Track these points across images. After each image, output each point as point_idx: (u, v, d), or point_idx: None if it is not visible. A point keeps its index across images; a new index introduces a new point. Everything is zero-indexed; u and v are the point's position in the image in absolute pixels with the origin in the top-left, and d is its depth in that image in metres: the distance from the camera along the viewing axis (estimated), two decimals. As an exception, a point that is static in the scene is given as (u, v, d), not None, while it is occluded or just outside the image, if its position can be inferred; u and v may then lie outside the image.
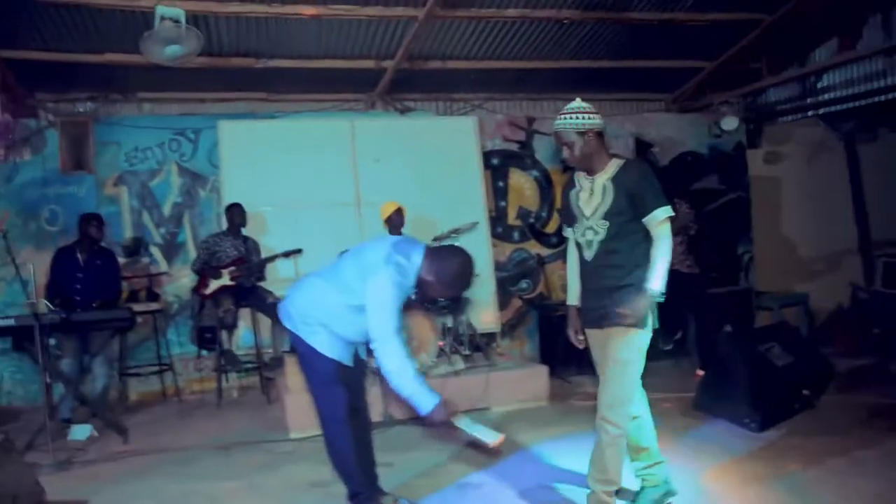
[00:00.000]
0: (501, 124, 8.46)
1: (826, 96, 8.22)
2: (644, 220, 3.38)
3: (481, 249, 7.57)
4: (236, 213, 6.79)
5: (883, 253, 8.88)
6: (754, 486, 3.96)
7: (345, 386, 3.62)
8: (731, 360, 5.32)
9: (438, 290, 3.55)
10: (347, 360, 3.65)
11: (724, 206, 7.22)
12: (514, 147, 8.46)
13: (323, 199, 7.40)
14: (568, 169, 8.41)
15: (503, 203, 8.40)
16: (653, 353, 7.18)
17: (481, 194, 7.81)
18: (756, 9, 7.32)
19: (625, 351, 3.43)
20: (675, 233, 6.67)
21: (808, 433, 4.86)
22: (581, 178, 3.54)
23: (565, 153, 3.45)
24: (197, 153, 7.59)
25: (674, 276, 6.67)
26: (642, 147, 8.82)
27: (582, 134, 3.38)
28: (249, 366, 6.86)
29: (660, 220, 3.37)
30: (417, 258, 3.46)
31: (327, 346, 3.55)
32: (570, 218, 3.60)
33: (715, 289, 7.70)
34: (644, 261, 3.39)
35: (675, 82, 8.93)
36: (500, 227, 8.31)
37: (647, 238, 3.41)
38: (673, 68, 8.45)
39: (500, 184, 8.37)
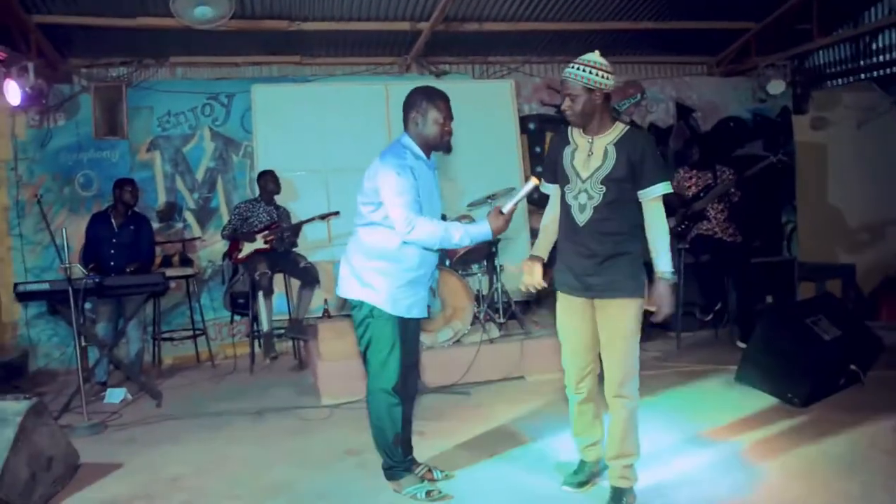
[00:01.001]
0: (539, 88, 8.26)
1: (880, 58, 7.87)
2: (641, 191, 3.25)
3: (518, 215, 7.36)
4: (270, 180, 6.73)
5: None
6: (797, 462, 3.83)
7: (402, 349, 3.53)
8: (775, 333, 5.14)
9: (440, 124, 3.52)
10: (410, 311, 3.53)
11: (768, 173, 6.96)
12: (552, 111, 8.25)
13: (356, 164, 7.08)
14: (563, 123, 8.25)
15: (540, 169, 8.19)
16: (691, 323, 7.12)
17: (518, 159, 7.66)
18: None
19: (632, 322, 3.30)
20: (718, 200, 6.57)
21: (855, 409, 4.67)
22: (577, 135, 3.37)
23: (565, 104, 3.28)
24: (230, 118, 7.52)
25: (716, 244, 6.63)
26: (683, 112, 8.57)
27: (590, 91, 3.21)
28: (281, 332, 6.85)
29: (656, 196, 3.26)
30: (402, 137, 3.57)
31: (389, 299, 3.45)
32: (556, 176, 3.43)
33: (757, 258, 7.47)
34: (639, 232, 3.31)
35: (719, 44, 8.64)
36: (536, 194, 8.07)
37: (640, 210, 3.30)
38: (717, 29, 8.17)
39: (537, 149, 8.18)
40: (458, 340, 5.79)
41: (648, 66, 8.76)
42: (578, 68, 3.21)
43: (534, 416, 4.90)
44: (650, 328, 6.91)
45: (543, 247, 3.60)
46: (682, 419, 4.68)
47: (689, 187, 6.77)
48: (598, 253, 3.26)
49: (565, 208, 3.37)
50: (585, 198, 3.27)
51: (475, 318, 5.88)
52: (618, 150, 3.25)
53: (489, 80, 8.11)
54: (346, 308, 6.20)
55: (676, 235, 6.88)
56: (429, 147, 3.57)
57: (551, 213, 3.56)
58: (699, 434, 4.37)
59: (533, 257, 3.55)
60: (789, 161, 8.58)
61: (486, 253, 6.16)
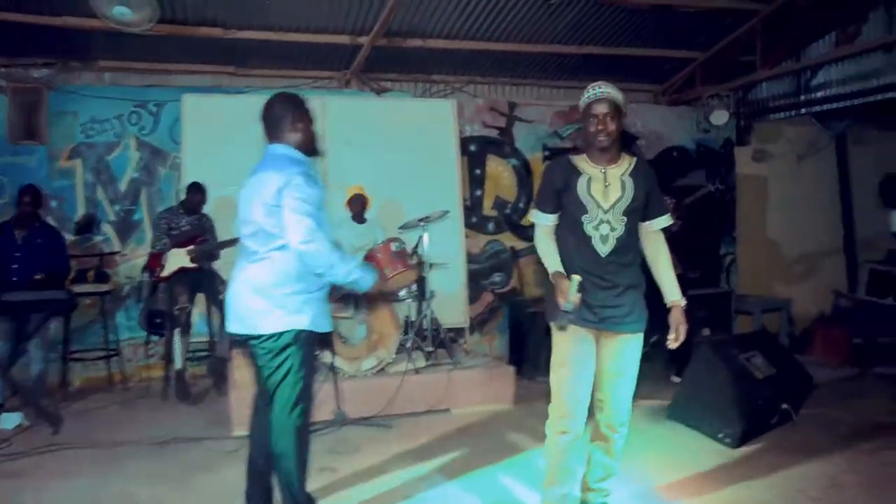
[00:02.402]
0: (481, 109, 8.09)
1: (820, 94, 7.89)
2: (650, 221, 3.31)
3: (453, 239, 7.27)
4: (198, 192, 6.39)
5: (868, 260, 8.65)
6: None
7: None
8: (709, 369, 5.02)
9: (313, 129, 3.43)
10: (328, 325, 3.38)
11: (708, 205, 6.91)
12: (494, 133, 8.10)
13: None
14: (551, 156, 8.15)
15: (479, 192, 8.04)
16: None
17: (456, 182, 7.47)
18: (753, -3, 7.01)
19: (640, 354, 3.34)
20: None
21: (786, 451, 4.60)
22: (585, 165, 3.25)
23: (598, 127, 3.14)
24: (158, 127, 7.18)
25: (652, 275, 6.46)
26: (627, 140, 8.48)
27: (622, 114, 3.21)
28: (202, 354, 6.52)
29: (663, 226, 3.34)
30: (283, 149, 3.32)
31: (314, 319, 3.24)
32: (558, 205, 3.26)
33: (695, 290, 7.37)
34: (640, 261, 3.35)
35: (665, 73, 8.60)
36: (474, 217, 7.96)
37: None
38: (663, 58, 8.12)
39: (477, 171, 8.01)
40: (382, 369, 5.54)
41: (594, 92, 8.65)
42: (611, 88, 3.17)
43: (458, 453, 4.67)
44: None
45: (560, 262, 3.29)
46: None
47: (628, 216, 6.65)
48: (619, 284, 3.21)
49: (582, 239, 3.21)
50: (607, 229, 3.19)
51: (401, 346, 5.65)
52: (634, 181, 3.23)
53: (431, 99, 7.91)
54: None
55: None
56: (307, 155, 3.38)
57: (551, 243, 3.30)
58: (625, 472, 4.19)
59: (561, 274, 3.20)
60: (727, 191, 8.55)
61: (416, 277, 5.92)
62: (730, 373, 4.86)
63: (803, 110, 8.23)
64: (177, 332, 6.07)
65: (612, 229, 3.18)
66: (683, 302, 3.29)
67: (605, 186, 3.20)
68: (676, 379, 6.19)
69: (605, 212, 3.17)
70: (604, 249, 3.19)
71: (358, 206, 6.36)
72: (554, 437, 3.31)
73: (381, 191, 6.77)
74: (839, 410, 5.44)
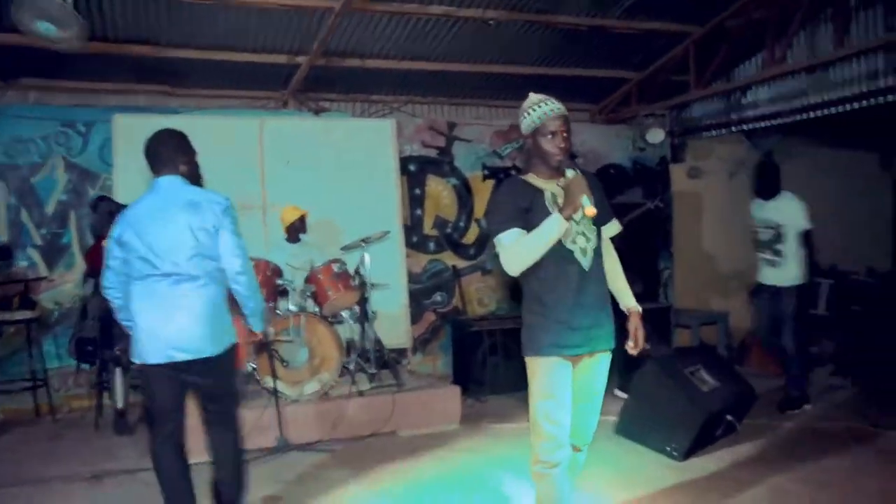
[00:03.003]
0: (421, 129, 8.06)
1: (750, 113, 8.12)
2: (605, 226, 3.20)
3: (394, 260, 7.19)
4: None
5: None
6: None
7: None
8: (656, 384, 5.05)
9: (193, 160, 3.64)
10: None
11: (646, 221, 7.01)
12: (433, 153, 8.07)
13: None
14: (494, 176, 8.16)
15: (419, 212, 7.99)
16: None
17: (396, 202, 7.39)
18: (686, 20, 7.16)
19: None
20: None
21: (731, 461, 4.71)
22: (540, 181, 3.09)
23: (562, 143, 3.03)
24: (87, 148, 6.93)
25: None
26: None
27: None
28: (136, 383, 6.25)
29: (614, 233, 3.28)
30: (181, 180, 3.52)
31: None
32: (526, 222, 3.00)
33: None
34: None
35: (602, 92, 8.72)
36: (415, 237, 7.89)
37: None
38: (600, 77, 8.23)
39: (417, 191, 7.96)
40: (325, 393, 5.41)
41: (532, 112, 8.72)
42: (559, 103, 3.13)
43: (406, 476, 4.58)
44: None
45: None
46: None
47: (569, 233, 6.69)
48: (601, 299, 3.10)
49: (564, 257, 3.00)
50: (584, 240, 3.04)
51: (344, 368, 5.53)
52: (590, 189, 3.01)
53: (370, 119, 7.85)
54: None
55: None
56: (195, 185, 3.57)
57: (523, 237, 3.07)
58: (576, 489, 4.16)
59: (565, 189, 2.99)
60: (665, 208, 8.70)
61: (358, 298, 5.82)
62: (676, 387, 4.90)
63: (734, 128, 8.46)
64: (118, 370, 5.81)
65: (588, 240, 3.05)
66: (639, 308, 3.28)
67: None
68: (621, 393, 6.21)
69: (578, 223, 3.00)
70: (586, 263, 3.03)
71: (301, 227, 6.23)
72: (547, 471, 3.06)
73: (319, 211, 6.65)
74: (779, 419, 5.55)
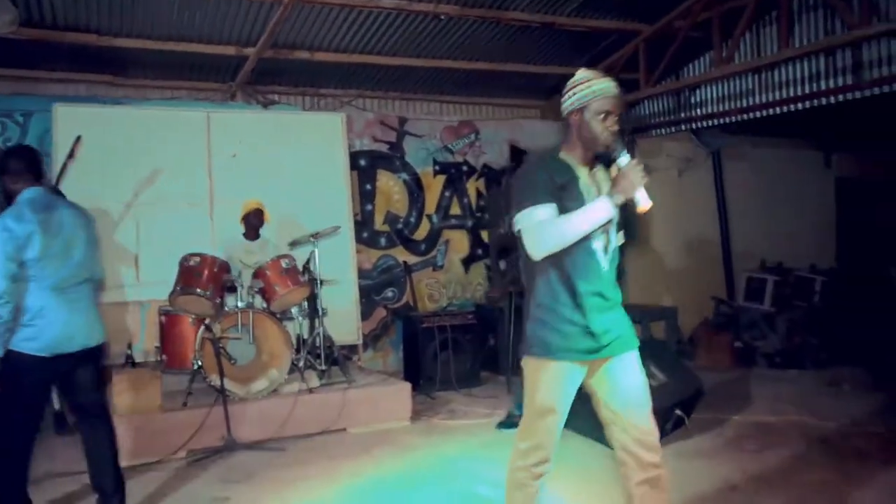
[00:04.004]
0: (371, 123, 8.00)
1: (698, 111, 8.23)
2: (620, 233, 2.89)
3: (344, 255, 7.10)
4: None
5: (744, 268, 9.10)
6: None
7: None
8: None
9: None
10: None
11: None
12: (384, 148, 8.02)
13: (172, 195, 6.70)
14: (445, 172, 8.13)
15: (370, 207, 7.92)
16: (520, 368, 7.06)
17: (346, 197, 7.30)
18: (637, 18, 7.23)
19: None
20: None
21: (679, 456, 4.70)
22: (574, 164, 2.81)
23: (612, 125, 2.75)
24: (26, 139, 6.68)
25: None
26: (517, 154, 8.58)
27: None
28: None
29: (623, 240, 2.94)
30: (43, 189, 3.64)
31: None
32: (562, 203, 2.71)
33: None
34: None
35: (552, 89, 8.74)
36: (365, 233, 7.84)
37: None
38: (550, 74, 8.25)
39: (368, 186, 7.90)
40: (274, 390, 5.33)
41: (483, 107, 8.73)
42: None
43: (356, 473, 4.52)
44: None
45: None
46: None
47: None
48: (615, 300, 2.84)
49: (587, 252, 2.75)
50: (605, 240, 2.78)
51: (293, 365, 5.45)
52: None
53: (320, 113, 7.74)
54: (156, 354, 5.64)
55: (512, 280, 6.79)
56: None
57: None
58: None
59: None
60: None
61: (308, 294, 5.74)
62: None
63: (683, 127, 8.57)
64: None
65: (609, 242, 2.80)
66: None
67: (599, 191, 2.80)
68: (572, 390, 6.25)
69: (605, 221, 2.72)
70: (605, 263, 2.79)
71: (254, 222, 6.10)
72: (529, 481, 2.87)
73: (270, 207, 6.54)
74: (726, 413, 5.64)
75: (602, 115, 2.74)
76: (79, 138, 5.85)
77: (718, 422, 5.42)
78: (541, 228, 2.66)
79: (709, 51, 7.29)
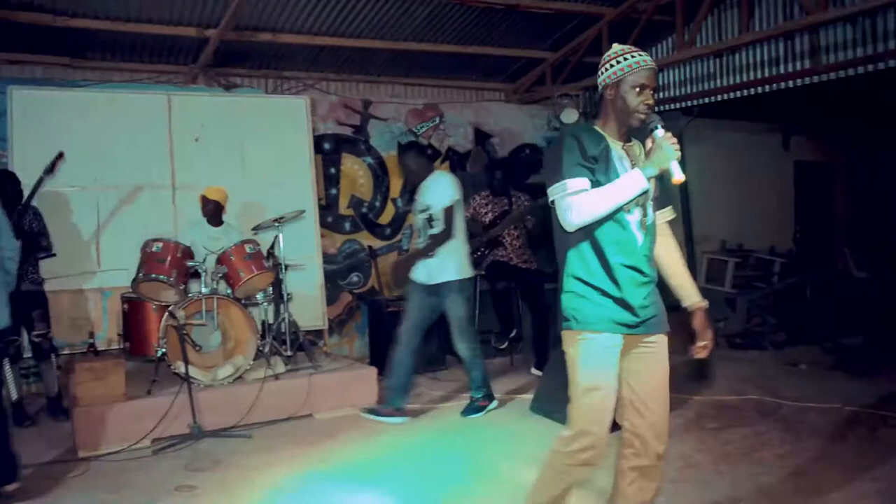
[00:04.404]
0: (335, 106, 7.93)
1: (661, 94, 8.31)
2: (660, 211, 2.89)
3: (309, 240, 7.05)
4: (9, 180, 5.77)
5: (705, 251, 9.23)
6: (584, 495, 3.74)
7: None
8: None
9: None
10: None
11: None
12: (349, 131, 7.96)
13: (133, 180, 6.59)
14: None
15: (334, 191, 7.87)
16: (487, 351, 7.13)
17: (311, 181, 7.22)
18: (600, 1, 7.27)
19: None
20: (514, 226, 6.58)
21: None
22: (609, 139, 2.77)
23: (648, 99, 2.70)
24: (-20, 122, 6.54)
25: (511, 270, 6.59)
26: (481, 137, 8.60)
27: None
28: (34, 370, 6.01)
29: (669, 218, 2.95)
30: None
31: None
32: (599, 176, 2.69)
33: (551, 284, 7.58)
34: None
35: (517, 72, 8.77)
36: (330, 217, 7.79)
37: None
38: (515, 57, 8.28)
39: (332, 170, 7.84)
40: (239, 377, 5.30)
41: (448, 90, 8.71)
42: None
43: (323, 459, 4.53)
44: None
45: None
46: (479, 455, 4.54)
47: (486, 213, 6.73)
48: (651, 278, 2.79)
49: (621, 226, 2.72)
50: (640, 213, 2.75)
51: (259, 351, 5.42)
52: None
53: (283, 96, 7.66)
54: (119, 342, 5.58)
55: (472, 262, 6.81)
56: None
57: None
58: (497, 470, 4.23)
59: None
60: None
61: (272, 280, 5.71)
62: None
63: (646, 110, 8.64)
64: (5, 361, 5.49)
65: (645, 214, 2.77)
66: (706, 303, 2.96)
67: (633, 165, 2.75)
68: (537, 372, 6.32)
69: (640, 193, 2.68)
70: (640, 237, 2.75)
71: (210, 209, 6.03)
72: (570, 468, 2.79)
73: (234, 191, 6.48)
74: (687, 394, 5.73)
75: (637, 89, 2.70)
76: (61, 154, 5.66)
77: (680, 402, 5.50)
78: (574, 200, 2.62)
79: (672, 34, 7.35)
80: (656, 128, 2.66)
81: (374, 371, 5.81)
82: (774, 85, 7.07)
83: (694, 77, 7.86)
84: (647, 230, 2.77)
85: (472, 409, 5.39)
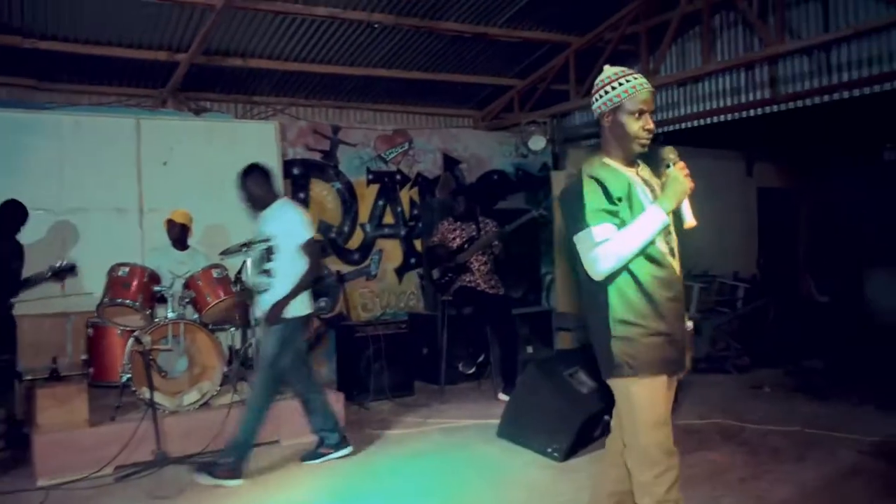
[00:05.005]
0: (305, 131, 7.95)
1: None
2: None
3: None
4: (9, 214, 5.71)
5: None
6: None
7: None
8: (535, 387, 5.18)
9: None
10: None
11: (528, 227, 7.20)
12: (318, 157, 7.97)
13: (101, 203, 6.56)
14: (378, 181, 8.13)
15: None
16: (455, 376, 7.17)
17: (280, 206, 7.21)
18: (567, 30, 7.40)
19: None
20: (481, 252, 6.63)
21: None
22: (622, 169, 2.69)
23: (648, 125, 2.65)
24: (-56, 145, 6.46)
25: (478, 296, 6.64)
26: (450, 163, 8.66)
27: None
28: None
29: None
30: None
31: None
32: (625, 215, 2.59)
33: (518, 310, 7.65)
34: None
35: (485, 99, 8.88)
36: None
37: None
38: (484, 84, 8.38)
39: (301, 195, 7.83)
40: (205, 403, 5.25)
41: (417, 116, 8.79)
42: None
43: (289, 486, 4.51)
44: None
45: None
46: (445, 481, 4.55)
47: (454, 239, 6.78)
48: (683, 312, 2.71)
49: (658, 259, 2.62)
50: (670, 240, 2.68)
51: (226, 377, 5.39)
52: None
53: (252, 121, 7.66)
54: (83, 367, 5.49)
55: (439, 288, 6.85)
56: None
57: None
58: (463, 494, 4.24)
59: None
60: (550, 215, 8.89)
61: (241, 306, 5.68)
62: (555, 389, 5.03)
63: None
64: None
65: (673, 239, 2.69)
66: (690, 324, 2.82)
67: (651, 191, 2.69)
68: (504, 397, 6.33)
69: (662, 228, 2.61)
70: (676, 265, 2.68)
71: (175, 233, 6.01)
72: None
73: (203, 216, 6.46)
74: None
75: (636, 114, 2.63)
76: (72, 267, 5.57)
77: (646, 426, 5.54)
78: (600, 251, 2.52)
79: (637, 63, 7.49)
80: (669, 166, 2.62)
81: (340, 396, 5.79)
82: (736, 113, 7.25)
83: (659, 105, 8.02)
84: (678, 255, 2.70)
85: (314, 455, 5.04)
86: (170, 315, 5.27)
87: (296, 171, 7.83)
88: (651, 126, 2.64)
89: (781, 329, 8.46)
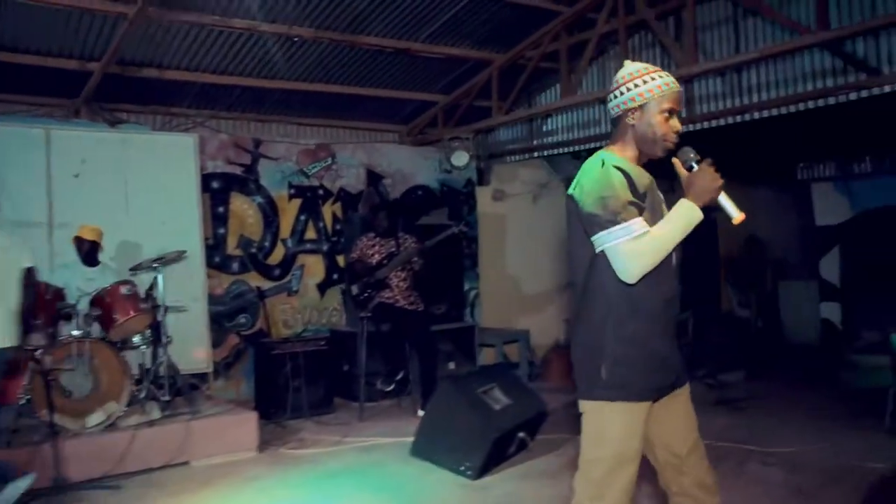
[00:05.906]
0: (225, 145, 7.79)
1: (549, 139, 8.57)
2: None
3: (195, 280, 6.85)
4: None
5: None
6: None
7: None
8: (449, 404, 5.16)
9: None
10: None
11: (452, 242, 7.22)
12: (238, 170, 7.82)
13: (7, 217, 6.30)
14: (300, 196, 8.03)
15: (222, 230, 7.68)
16: (374, 393, 7.12)
17: (198, 220, 7.04)
18: (490, 47, 7.46)
19: None
20: (401, 268, 6.62)
21: (523, 477, 4.89)
22: (635, 174, 2.46)
23: (678, 126, 2.46)
24: None
25: (397, 312, 6.61)
26: (374, 178, 8.62)
27: None
28: None
29: None
30: None
31: None
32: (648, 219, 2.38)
33: (439, 325, 7.64)
34: None
35: (410, 114, 8.88)
36: (217, 257, 7.58)
37: None
38: (407, 100, 8.38)
39: (220, 209, 7.66)
40: (111, 424, 5.08)
41: (341, 131, 8.71)
42: None
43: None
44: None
45: None
46: (360, 499, 4.52)
47: (373, 255, 6.75)
48: (673, 323, 2.51)
49: (666, 270, 2.39)
50: (680, 252, 2.45)
51: (134, 396, 5.23)
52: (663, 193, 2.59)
53: (171, 133, 7.47)
54: None
55: (359, 304, 6.79)
56: None
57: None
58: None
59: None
60: (470, 230, 8.94)
61: (150, 322, 5.54)
62: (468, 406, 5.02)
63: (536, 153, 8.90)
64: None
65: (676, 254, 2.46)
66: None
67: (660, 201, 2.56)
68: (422, 413, 6.30)
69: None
70: (674, 283, 2.47)
71: (85, 249, 5.81)
72: None
73: (117, 230, 6.27)
74: (568, 434, 5.81)
75: (666, 114, 2.43)
76: None
77: (562, 441, 5.59)
78: (635, 246, 2.27)
79: (559, 81, 7.61)
80: (692, 167, 2.45)
81: (254, 415, 5.68)
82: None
83: (580, 122, 8.16)
84: (677, 272, 2.50)
85: None
86: (75, 333, 5.09)
87: (215, 184, 7.66)
88: (679, 127, 2.46)
89: (702, 342, 8.64)
